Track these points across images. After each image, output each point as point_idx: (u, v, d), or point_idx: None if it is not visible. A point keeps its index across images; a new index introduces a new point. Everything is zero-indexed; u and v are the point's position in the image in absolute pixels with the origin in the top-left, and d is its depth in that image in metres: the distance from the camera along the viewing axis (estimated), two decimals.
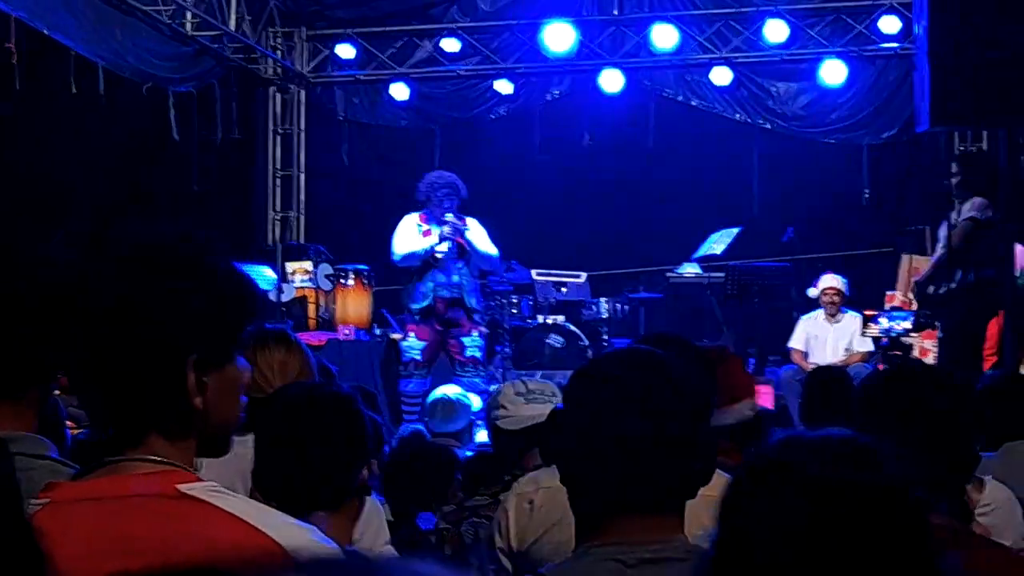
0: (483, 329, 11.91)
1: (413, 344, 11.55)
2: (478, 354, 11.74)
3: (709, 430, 2.56)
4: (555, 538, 3.82)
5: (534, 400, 4.75)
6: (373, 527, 4.02)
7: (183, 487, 2.00)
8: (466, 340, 11.66)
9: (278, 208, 16.84)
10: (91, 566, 1.92)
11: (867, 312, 12.35)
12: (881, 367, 10.36)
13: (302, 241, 16.25)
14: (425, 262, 11.41)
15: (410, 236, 11.43)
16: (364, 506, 3.44)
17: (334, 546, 2.07)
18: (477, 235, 11.55)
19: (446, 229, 11.35)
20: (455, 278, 11.51)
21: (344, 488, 3.13)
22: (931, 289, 9.94)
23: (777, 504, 1.83)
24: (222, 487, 2.06)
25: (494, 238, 11.73)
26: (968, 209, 9.72)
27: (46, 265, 2.49)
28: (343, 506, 3.14)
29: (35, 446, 2.47)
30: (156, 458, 2.03)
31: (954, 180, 9.94)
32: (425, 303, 11.47)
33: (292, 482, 3.09)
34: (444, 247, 11.39)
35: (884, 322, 12.11)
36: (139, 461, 2.02)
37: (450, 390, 9.20)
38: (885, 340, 12.15)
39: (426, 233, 11.40)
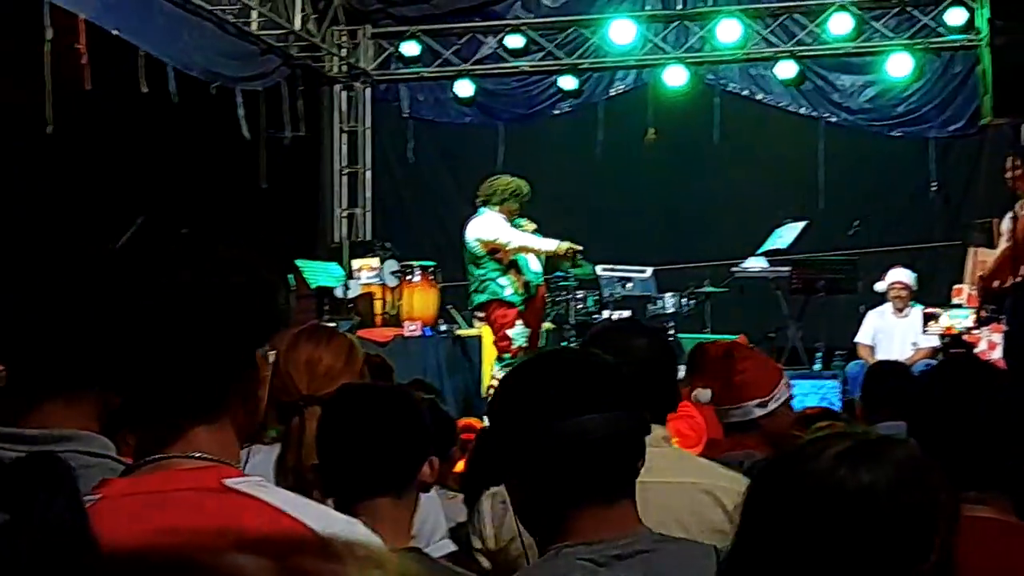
0: None
1: (521, 331, 11.75)
2: None
3: (640, 417, 2.65)
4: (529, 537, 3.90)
5: None
6: (430, 521, 4.07)
7: (228, 481, 2.04)
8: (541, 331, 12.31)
9: (344, 205, 16.93)
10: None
11: (927, 310, 12.27)
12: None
13: (368, 238, 16.35)
14: (514, 259, 11.77)
15: (520, 232, 11.75)
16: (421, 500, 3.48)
17: (377, 540, 2.10)
18: None
19: (565, 245, 11.92)
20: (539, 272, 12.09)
21: (403, 481, 3.17)
22: (996, 283, 9.87)
23: (787, 502, 1.88)
24: (266, 481, 2.11)
25: (558, 233, 11.99)
26: None
27: (110, 264, 2.53)
28: (403, 498, 3.19)
29: (91, 444, 2.51)
30: (202, 454, 2.08)
31: (1014, 173, 9.86)
32: (531, 292, 11.82)
33: (352, 476, 3.15)
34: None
35: (945, 319, 12.02)
36: (185, 458, 2.07)
37: None
38: (946, 338, 12.08)
39: None
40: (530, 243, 11.79)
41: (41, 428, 2.51)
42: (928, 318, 12.17)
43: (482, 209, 11.85)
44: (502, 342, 11.83)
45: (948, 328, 12.12)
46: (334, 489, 3.15)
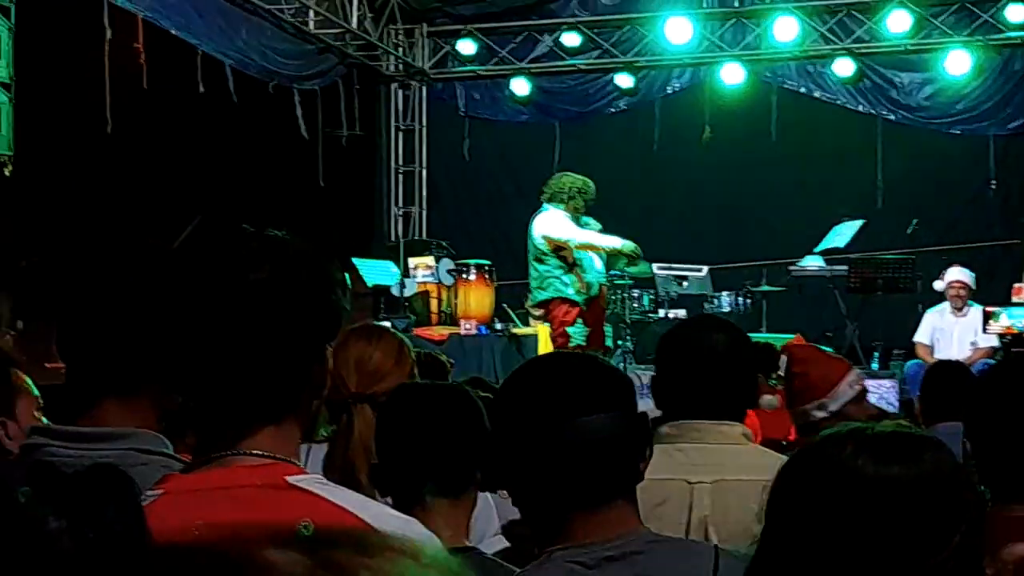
0: None
1: (580, 329, 11.71)
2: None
3: (641, 419, 2.65)
4: None
5: (648, 396, 4.73)
6: (482, 517, 4.07)
7: (291, 479, 2.05)
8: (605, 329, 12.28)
9: (400, 203, 16.99)
10: None
11: (987, 308, 12.18)
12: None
13: (424, 236, 16.38)
14: (577, 258, 11.72)
15: (585, 231, 11.70)
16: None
17: (431, 537, 2.11)
18: None
19: (631, 245, 11.85)
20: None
21: (462, 480, 3.17)
22: None
23: (820, 495, 1.88)
24: (327, 480, 2.12)
25: (613, 231, 11.98)
26: None
27: (166, 261, 2.54)
28: (461, 498, 3.18)
29: (148, 442, 2.52)
30: (264, 452, 2.08)
31: None
32: (593, 292, 11.74)
33: (411, 475, 3.15)
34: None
35: (1005, 318, 11.95)
36: (248, 455, 2.08)
37: None
38: (1006, 337, 12.00)
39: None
40: (596, 241, 11.76)
41: (98, 426, 2.53)
42: (987, 317, 12.09)
43: (546, 205, 11.81)
44: (561, 338, 11.80)
45: (1008, 328, 12.03)
46: (392, 488, 3.15)
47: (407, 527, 2.09)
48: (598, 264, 11.92)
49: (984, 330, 12.32)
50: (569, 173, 12.10)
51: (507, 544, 4.18)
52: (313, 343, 2.11)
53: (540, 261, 11.79)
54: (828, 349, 5.54)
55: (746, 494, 3.43)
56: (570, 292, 11.72)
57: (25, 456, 2.53)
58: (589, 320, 11.85)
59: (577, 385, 2.61)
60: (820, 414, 4.66)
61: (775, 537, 1.95)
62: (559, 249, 11.67)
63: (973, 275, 13.38)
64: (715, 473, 3.43)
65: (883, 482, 1.87)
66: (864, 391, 4.88)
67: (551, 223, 11.71)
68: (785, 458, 3.75)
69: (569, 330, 11.74)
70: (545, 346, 12.77)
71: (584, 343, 11.72)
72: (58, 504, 1.74)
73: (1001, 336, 12.25)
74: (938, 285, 13.54)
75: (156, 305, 2.16)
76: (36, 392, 3.37)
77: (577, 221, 11.77)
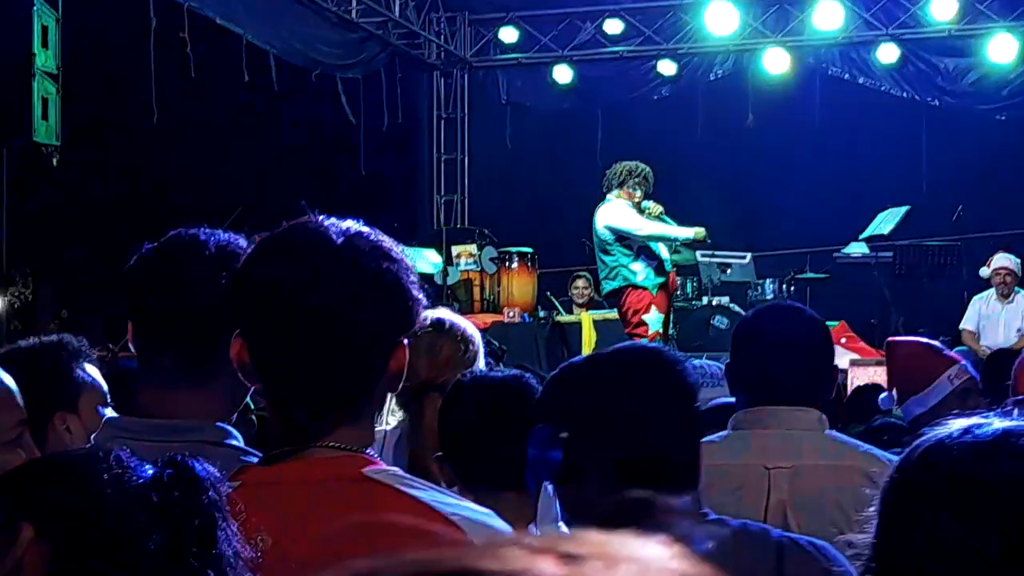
0: None
1: (657, 316, 11.60)
2: None
3: (699, 413, 2.65)
4: None
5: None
6: (543, 505, 4.07)
7: (368, 471, 2.06)
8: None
9: (442, 192, 16.99)
10: (275, 544, 1.98)
11: None
12: None
13: (466, 224, 16.38)
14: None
15: (650, 222, 11.62)
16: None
17: (510, 531, 2.10)
18: None
19: (702, 232, 11.81)
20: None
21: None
22: None
23: (932, 510, 1.84)
24: (403, 472, 2.12)
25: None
26: None
27: (226, 254, 2.54)
28: (527, 493, 3.17)
29: (217, 434, 2.53)
30: (341, 445, 2.08)
31: None
32: (663, 279, 11.64)
33: (476, 467, 3.14)
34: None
35: None
36: (324, 448, 2.08)
37: None
38: None
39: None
40: (662, 231, 11.61)
41: (170, 418, 2.54)
42: None
43: (608, 197, 11.70)
44: (638, 328, 11.64)
45: None
46: (459, 479, 3.15)
47: (486, 519, 2.09)
48: (664, 252, 11.77)
49: None
50: (623, 161, 11.99)
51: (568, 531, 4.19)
52: (391, 335, 2.11)
53: (606, 252, 11.63)
54: (933, 342, 5.42)
55: (824, 478, 3.43)
56: (639, 280, 11.59)
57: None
58: (660, 306, 11.71)
59: (648, 380, 2.60)
60: (919, 410, 4.66)
61: (891, 550, 1.91)
62: (623, 238, 11.55)
63: (1019, 261, 13.30)
64: (793, 458, 3.43)
65: (986, 483, 1.83)
66: (970, 385, 4.83)
67: (613, 213, 11.57)
68: (863, 445, 3.74)
69: (645, 318, 11.58)
70: (588, 334, 12.76)
71: (661, 330, 11.62)
72: (141, 499, 1.76)
73: None
74: (984, 272, 13.46)
75: (235, 297, 2.16)
76: (104, 387, 3.35)
77: (639, 206, 11.63)
